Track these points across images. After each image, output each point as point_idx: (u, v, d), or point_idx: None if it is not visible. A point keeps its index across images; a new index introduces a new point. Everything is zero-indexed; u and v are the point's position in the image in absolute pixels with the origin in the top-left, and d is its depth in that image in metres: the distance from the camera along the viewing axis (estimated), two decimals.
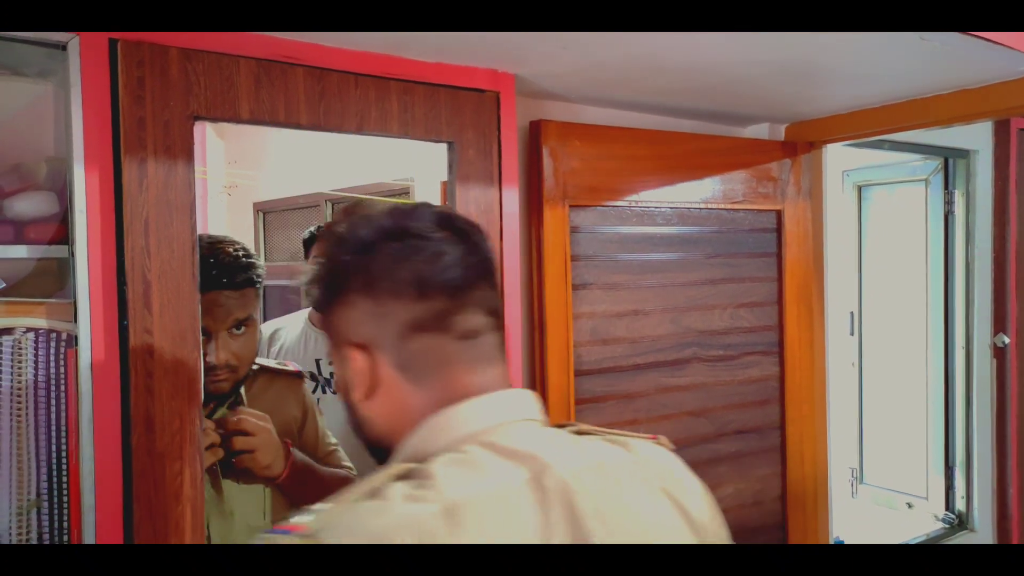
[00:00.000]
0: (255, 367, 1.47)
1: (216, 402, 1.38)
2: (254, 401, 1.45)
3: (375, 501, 0.66)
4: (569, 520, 0.69)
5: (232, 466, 1.32)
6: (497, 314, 0.78)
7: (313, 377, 2.18)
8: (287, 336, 2.25)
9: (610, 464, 0.76)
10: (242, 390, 1.43)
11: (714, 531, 0.80)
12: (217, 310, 1.31)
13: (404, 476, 0.69)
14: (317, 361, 2.20)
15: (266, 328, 2.30)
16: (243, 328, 1.35)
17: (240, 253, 1.36)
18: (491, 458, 0.70)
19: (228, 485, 1.39)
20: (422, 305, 0.73)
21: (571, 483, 0.70)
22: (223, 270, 1.32)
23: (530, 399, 0.79)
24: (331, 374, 2.20)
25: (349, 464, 1.61)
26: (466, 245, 0.76)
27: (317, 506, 0.67)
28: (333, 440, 1.62)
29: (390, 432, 0.76)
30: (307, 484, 1.40)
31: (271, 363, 1.58)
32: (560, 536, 0.68)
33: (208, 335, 1.30)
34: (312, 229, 2.35)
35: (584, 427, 0.82)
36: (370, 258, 0.75)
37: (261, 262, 1.41)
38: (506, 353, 0.80)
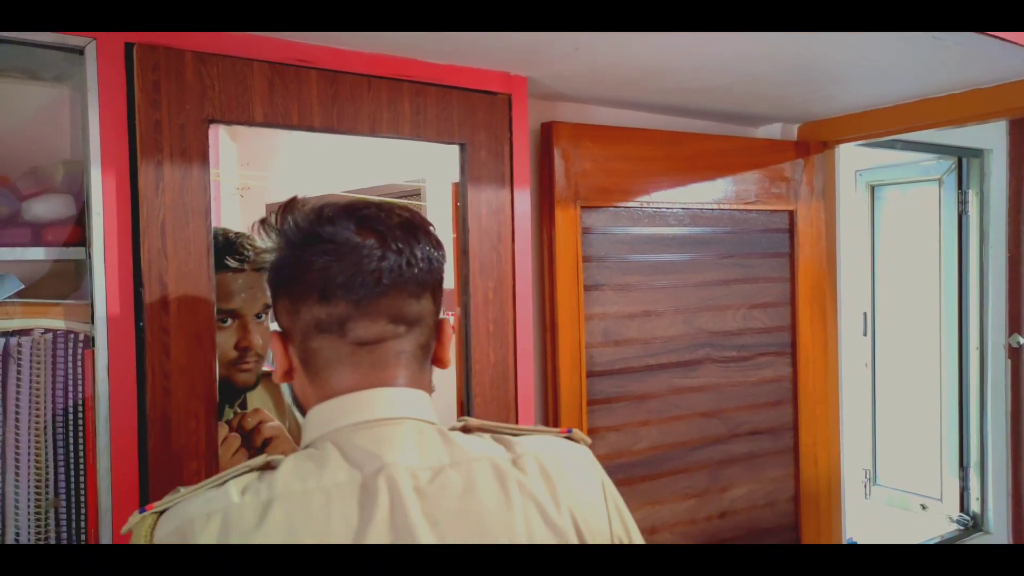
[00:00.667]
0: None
1: (226, 404, 1.40)
2: (258, 404, 1.46)
3: (216, 489, 0.72)
4: (394, 523, 0.69)
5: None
6: (405, 321, 0.79)
7: None
8: None
9: (469, 465, 0.75)
10: (247, 394, 1.45)
11: (607, 538, 0.78)
12: (249, 291, 1.35)
13: (262, 467, 0.74)
14: None
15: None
16: (263, 318, 1.38)
17: (255, 239, 1.41)
18: (335, 456, 0.73)
19: None
20: (324, 309, 0.76)
21: (404, 486, 0.71)
22: (254, 250, 1.37)
23: (413, 398, 0.79)
24: None
25: None
26: (383, 250, 0.76)
27: (185, 488, 0.74)
28: None
29: (304, 410, 0.83)
30: None
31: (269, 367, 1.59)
32: (377, 538, 0.69)
33: (238, 319, 1.34)
34: None
35: (473, 423, 0.82)
36: (290, 257, 0.78)
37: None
38: (427, 363, 0.82)
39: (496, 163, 1.60)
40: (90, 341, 1.21)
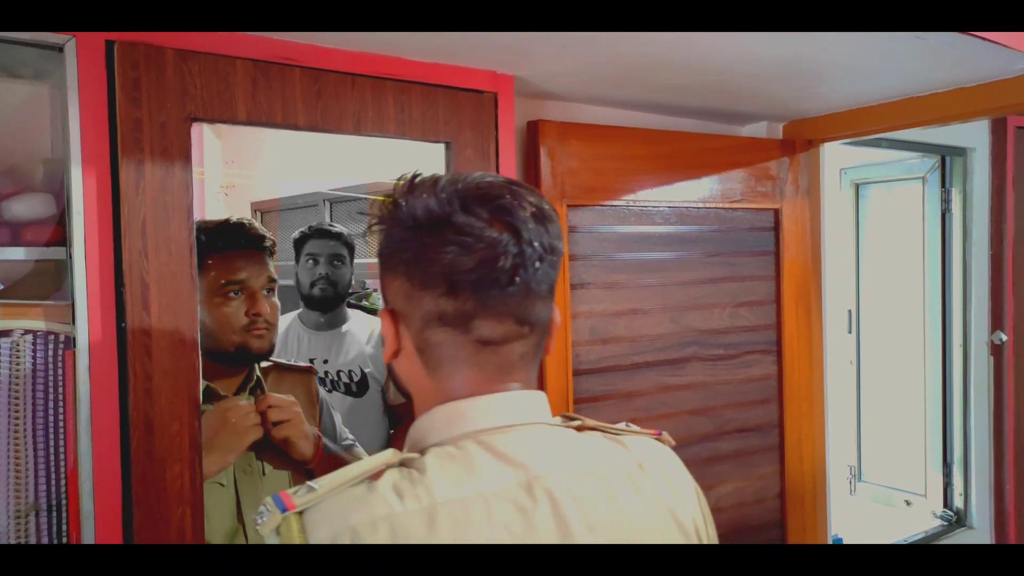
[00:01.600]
0: (268, 363, 1.52)
1: (239, 389, 1.44)
2: (287, 392, 1.49)
3: (362, 489, 0.68)
4: (555, 528, 0.69)
5: (268, 445, 1.37)
6: (530, 322, 0.75)
7: None
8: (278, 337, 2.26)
9: (605, 470, 0.75)
10: (265, 378, 1.50)
11: (706, 539, 0.79)
12: (254, 267, 1.41)
13: (400, 464, 0.71)
14: (311, 360, 2.20)
15: None
16: (270, 293, 1.44)
17: (258, 225, 1.49)
18: (485, 459, 0.70)
19: (265, 479, 1.44)
20: (449, 302, 0.72)
21: (560, 492, 0.70)
22: (255, 233, 1.44)
23: (538, 401, 0.78)
24: (325, 373, 2.20)
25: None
26: (518, 246, 0.71)
27: (315, 483, 0.68)
28: (349, 436, 1.65)
29: (413, 397, 0.79)
30: (330, 468, 1.43)
31: (282, 360, 1.61)
32: (545, 543, 0.68)
33: (245, 290, 1.39)
34: (304, 229, 2.35)
35: (588, 422, 0.81)
36: (415, 240, 0.73)
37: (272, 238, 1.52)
38: (538, 361, 0.79)
39: (482, 162, 1.59)
40: (71, 342, 1.20)
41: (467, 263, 0.70)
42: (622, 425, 0.84)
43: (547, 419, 0.78)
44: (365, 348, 2.25)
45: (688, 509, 0.78)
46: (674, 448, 0.84)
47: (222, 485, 1.38)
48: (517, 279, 0.71)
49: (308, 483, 0.68)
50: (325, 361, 2.22)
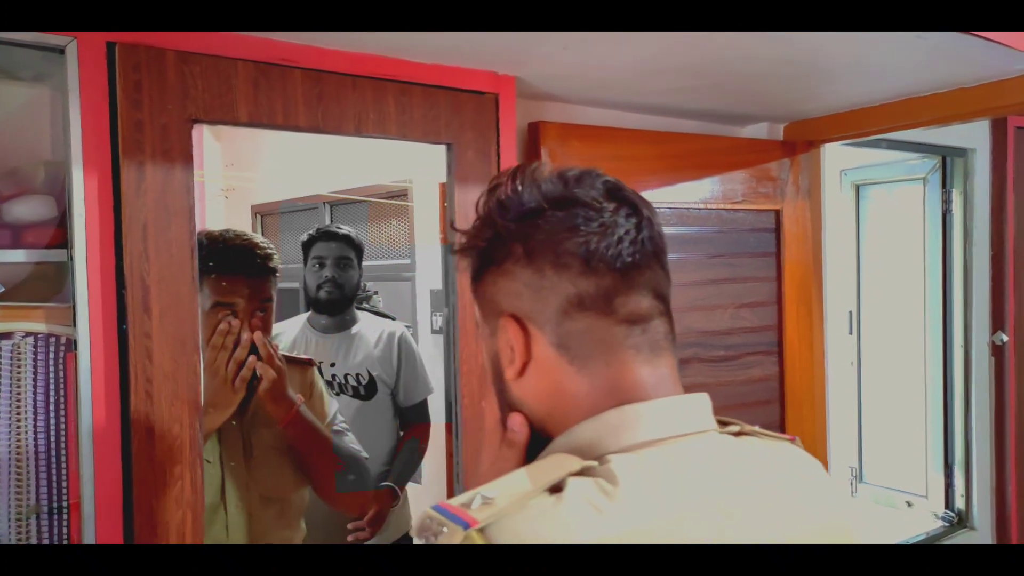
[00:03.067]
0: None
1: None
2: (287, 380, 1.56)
3: (549, 502, 0.59)
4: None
5: (252, 392, 1.45)
6: (666, 299, 0.71)
7: None
8: (284, 340, 2.25)
9: (784, 485, 0.71)
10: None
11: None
12: (245, 291, 1.47)
13: (582, 473, 0.62)
14: (319, 364, 2.20)
15: None
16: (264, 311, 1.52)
17: (262, 243, 1.54)
18: (673, 475, 0.64)
19: (253, 460, 1.51)
20: (587, 280, 0.67)
21: (758, 518, 0.66)
22: (246, 256, 1.50)
23: (706, 406, 0.74)
24: (332, 376, 2.20)
25: (359, 448, 1.69)
26: (637, 219, 0.69)
27: (488, 491, 0.60)
28: (343, 424, 1.70)
29: (545, 416, 0.70)
30: (308, 439, 1.53)
31: (286, 352, 1.66)
32: None
33: (236, 314, 1.45)
34: (312, 232, 2.34)
35: (745, 427, 0.76)
36: (534, 226, 0.68)
37: (276, 254, 1.57)
38: (674, 343, 0.74)
39: (483, 163, 1.59)
40: (72, 344, 1.20)
41: (601, 238, 0.67)
42: (757, 428, 0.78)
43: (714, 425, 0.73)
44: (373, 351, 2.24)
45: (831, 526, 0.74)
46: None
47: (209, 462, 1.42)
48: (647, 248, 0.69)
49: (480, 493, 0.60)
50: (332, 364, 2.21)
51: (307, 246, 2.31)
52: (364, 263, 2.36)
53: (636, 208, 0.70)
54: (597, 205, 0.68)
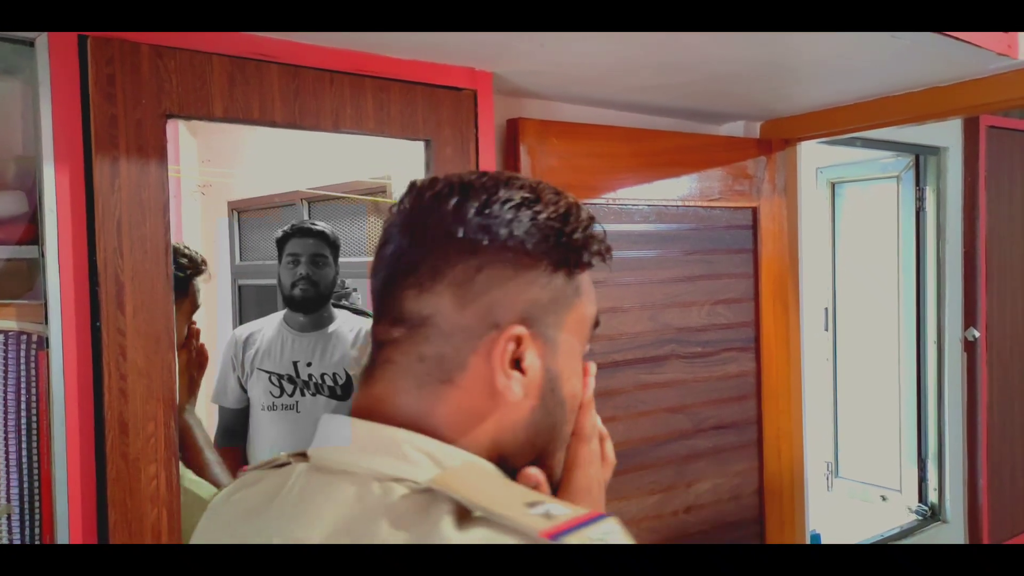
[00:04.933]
0: None
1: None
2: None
3: None
4: None
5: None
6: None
7: (291, 380, 2.16)
8: (262, 339, 2.23)
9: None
10: None
11: None
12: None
13: None
14: (295, 363, 2.18)
15: (240, 332, 2.27)
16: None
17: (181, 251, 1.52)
18: None
19: None
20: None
21: None
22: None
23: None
24: (309, 376, 2.19)
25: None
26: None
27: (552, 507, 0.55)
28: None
29: (550, 439, 0.67)
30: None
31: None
32: None
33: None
34: (286, 228, 2.32)
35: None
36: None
37: (189, 253, 1.54)
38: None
39: (462, 160, 1.59)
40: (44, 342, 1.18)
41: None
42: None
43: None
44: (351, 350, 2.22)
45: None
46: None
47: None
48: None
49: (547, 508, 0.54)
50: (309, 364, 2.19)
51: (281, 243, 2.28)
52: (342, 260, 2.33)
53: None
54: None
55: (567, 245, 0.62)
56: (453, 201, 0.61)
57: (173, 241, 1.38)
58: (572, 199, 0.65)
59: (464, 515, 0.53)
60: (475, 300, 0.60)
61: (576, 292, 0.64)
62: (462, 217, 0.60)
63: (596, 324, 0.69)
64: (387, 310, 0.62)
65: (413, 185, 0.65)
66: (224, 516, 0.66)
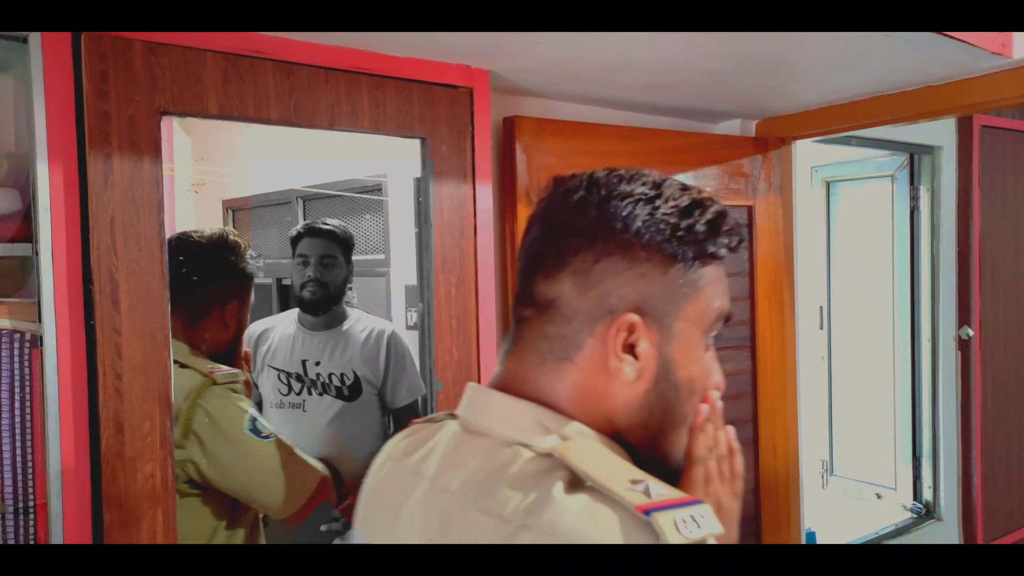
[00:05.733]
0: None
1: None
2: None
3: None
4: None
5: None
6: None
7: (299, 378, 2.16)
8: (275, 336, 2.23)
9: None
10: None
11: None
12: None
13: None
14: (303, 362, 2.17)
15: (254, 328, 2.27)
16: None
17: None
18: None
19: None
20: None
21: None
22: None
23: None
24: (316, 375, 2.18)
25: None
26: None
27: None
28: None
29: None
30: None
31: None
32: None
33: None
34: (299, 228, 2.31)
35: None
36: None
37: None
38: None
39: (458, 157, 1.59)
40: (38, 340, 1.17)
41: None
42: None
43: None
44: (360, 350, 2.21)
45: None
46: None
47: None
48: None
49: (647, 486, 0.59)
50: (317, 363, 2.19)
51: (294, 242, 2.27)
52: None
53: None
54: None
55: (685, 239, 0.67)
56: (577, 196, 0.69)
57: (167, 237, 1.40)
58: (699, 194, 0.69)
59: (576, 483, 0.59)
60: (592, 288, 0.66)
61: (695, 284, 0.69)
62: (583, 211, 0.67)
63: (727, 317, 0.74)
64: (523, 293, 0.70)
65: (552, 179, 0.73)
66: (391, 452, 0.77)
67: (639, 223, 0.66)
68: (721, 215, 0.69)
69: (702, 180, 2.08)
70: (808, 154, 2.95)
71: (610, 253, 0.66)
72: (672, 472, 0.70)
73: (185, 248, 1.50)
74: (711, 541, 0.57)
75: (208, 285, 1.49)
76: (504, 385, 0.69)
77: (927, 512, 3.01)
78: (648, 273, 0.66)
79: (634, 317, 0.65)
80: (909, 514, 3.02)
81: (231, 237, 1.56)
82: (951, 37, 1.42)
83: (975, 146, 2.95)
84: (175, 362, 1.33)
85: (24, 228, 1.20)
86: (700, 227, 0.67)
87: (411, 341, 2.39)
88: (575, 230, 0.67)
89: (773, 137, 2.20)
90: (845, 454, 3.33)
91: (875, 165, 3.09)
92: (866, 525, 2.94)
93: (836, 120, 2.06)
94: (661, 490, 0.59)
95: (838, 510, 3.18)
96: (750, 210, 2.18)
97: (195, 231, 1.56)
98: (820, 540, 2.67)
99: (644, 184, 0.70)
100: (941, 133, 2.91)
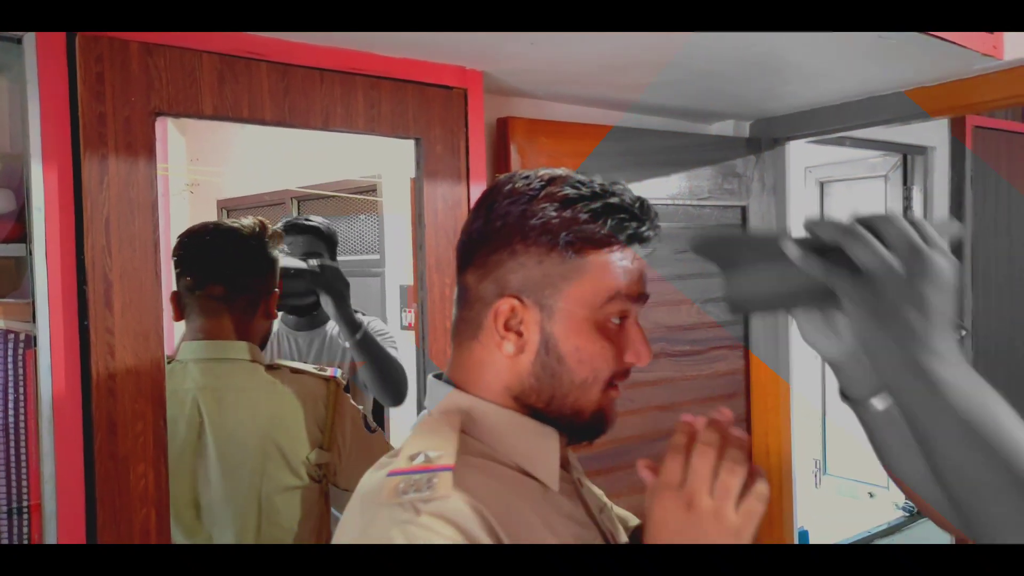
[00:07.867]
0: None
1: None
2: None
3: None
4: None
5: None
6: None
7: None
8: None
9: None
10: None
11: None
12: None
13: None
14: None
15: None
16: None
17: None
18: None
19: None
20: None
21: None
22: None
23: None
24: None
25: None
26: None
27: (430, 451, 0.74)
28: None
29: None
30: None
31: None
32: None
33: None
34: (279, 225, 2.30)
35: None
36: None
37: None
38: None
39: (452, 158, 1.59)
40: (32, 341, 1.17)
41: None
42: None
43: None
44: (344, 348, 2.21)
45: None
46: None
47: None
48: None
49: (424, 452, 0.73)
50: (302, 363, 2.18)
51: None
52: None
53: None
54: None
55: (561, 229, 0.76)
56: (482, 195, 0.83)
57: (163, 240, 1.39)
58: (599, 187, 0.81)
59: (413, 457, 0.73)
60: (485, 277, 0.79)
61: (581, 269, 0.77)
62: (479, 215, 0.81)
63: (637, 297, 0.86)
64: (457, 287, 0.83)
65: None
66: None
67: (513, 219, 0.77)
68: (611, 207, 0.78)
69: (695, 181, 2.09)
70: (801, 154, 2.96)
71: (497, 248, 0.78)
72: (587, 425, 0.81)
73: (230, 241, 1.49)
74: (427, 506, 0.66)
75: (256, 276, 1.50)
76: (448, 370, 0.83)
77: (919, 511, 3.02)
78: (526, 263, 0.76)
79: (513, 301, 0.76)
80: (902, 513, 3.04)
81: (267, 225, 1.55)
82: (942, 38, 1.43)
83: (968, 147, 2.96)
84: (269, 367, 1.47)
85: (18, 229, 1.20)
86: (582, 216, 0.77)
87: (407, 341, 2.39)
88: (474, 231, 0.81)
89: (766, 138, 2.21)
90: (838, 453, 3.34)
91: (868, 165, 3.10)
92: (859, 524, 2.96)
93: (829, 121, 2.07)
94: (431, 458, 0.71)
95: (831, 509, 3.19)
96: (743, 210, 2.18)
97: (230, 222, 1.54)
98: (813, 538, 2.68)
99: (530, 183, 0.80)
100: (934, 134, 2.92)
